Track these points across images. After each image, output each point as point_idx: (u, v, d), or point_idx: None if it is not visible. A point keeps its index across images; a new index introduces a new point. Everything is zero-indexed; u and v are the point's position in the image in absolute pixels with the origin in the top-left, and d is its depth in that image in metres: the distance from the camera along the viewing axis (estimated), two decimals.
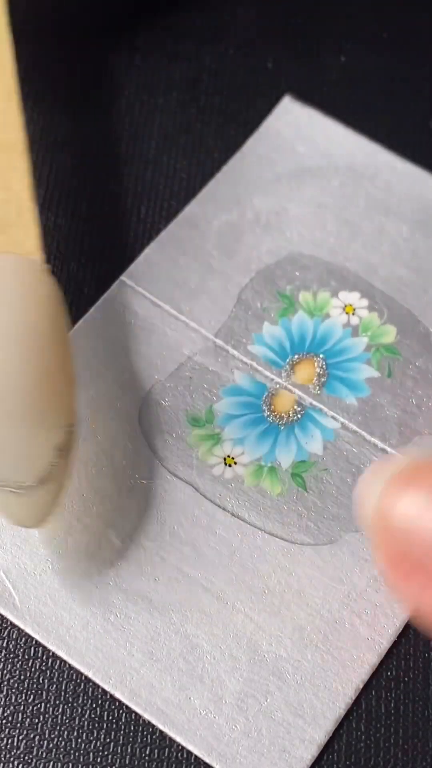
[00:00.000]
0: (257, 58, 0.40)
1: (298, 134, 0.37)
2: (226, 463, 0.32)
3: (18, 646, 0.30)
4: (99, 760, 0.29)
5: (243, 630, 0.30)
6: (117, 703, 0.29)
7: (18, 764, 0.29)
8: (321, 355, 0.33)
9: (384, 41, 0.40)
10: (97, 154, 0.37)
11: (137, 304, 0.34)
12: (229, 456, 0.32)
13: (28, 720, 0.29)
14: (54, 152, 0.37)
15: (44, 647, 0.30)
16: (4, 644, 0.30)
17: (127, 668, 0.29)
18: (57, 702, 0.30)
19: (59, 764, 0.29)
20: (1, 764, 0.29)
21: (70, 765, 0.29)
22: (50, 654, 0.30)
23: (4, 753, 0.29)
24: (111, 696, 0.29)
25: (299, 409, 0.33)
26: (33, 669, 0.30)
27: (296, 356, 0.33)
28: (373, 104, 0.38)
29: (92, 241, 0.36)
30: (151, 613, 0.30)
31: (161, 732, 0.29)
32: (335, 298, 0.34)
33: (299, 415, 0.33)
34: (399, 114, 0.38)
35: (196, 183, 0.37)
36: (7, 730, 0.29)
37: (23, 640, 0.30)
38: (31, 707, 0.29)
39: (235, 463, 0.32)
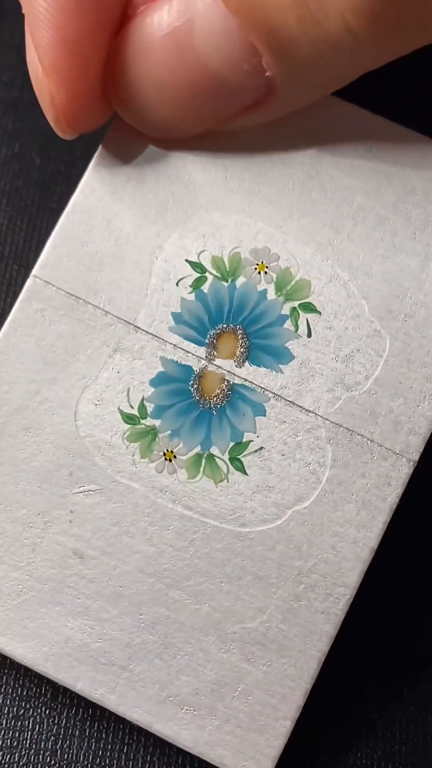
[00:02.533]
0: None
1: None
2: (166, 458, 0.30)
3: (100, 719, 0.30)
4: (91, 757, 0.30)
5: (209, 621, 0.29)
6: (197, 760, 0.30)
7: None
8: (240, 326, 0.30)
9: None
10: None
11: (55, 300, 0.31)
12: (168, 450, 0.30)
13: (76, 741, 0.30)
14: None
15: (30, 670, 0.30)
16: (87, 719, 0.30)
17: (110, 676, 0.29)
18: (42, 711, 0.30)
19: (57, 764, 0.30)
20: None
21: (65, 765, 0.30)
22: (78, 721, 0.30)
23: None
24: (189, 754, 0.29)
25: (226, 387, 0.30)
26: (114, 739, 0.30)
27: (216, 330, 0.31)
28: None
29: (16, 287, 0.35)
30: (123, 618, 0.29)
31: (148, 733, 0.29)
32: (246, 255, 0.31)
33: (227, 395, 0.30)
34: None
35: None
36: (59, 752, 0.30)
37: (104, 712, 0.30)
38: (76, 729, 0.30)
39: (175, 456, 0.30)
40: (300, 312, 0.30)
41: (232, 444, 0.30)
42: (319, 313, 0.30)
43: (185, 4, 0.27)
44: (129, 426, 0.30)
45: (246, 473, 0.30)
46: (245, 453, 0.30)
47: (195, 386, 0.30)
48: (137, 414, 0.30)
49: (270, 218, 0.31)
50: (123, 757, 0.30)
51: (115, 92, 0.29)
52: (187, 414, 0.30)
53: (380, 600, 0.31)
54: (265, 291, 0.31)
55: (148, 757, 0.30)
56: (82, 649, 0.29)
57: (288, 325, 0.30)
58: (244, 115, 0.29)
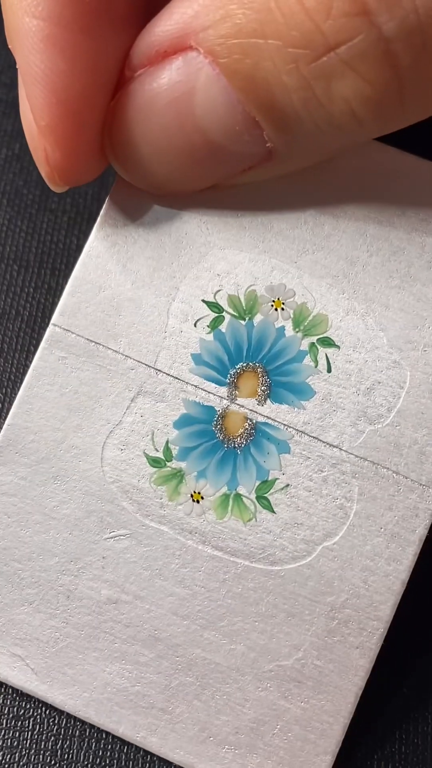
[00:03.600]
0: None
1: None
2: (193, 500, 0.29)
3: (49, 719, 0.30)
4: (91, 757, 0.29)
5: (245, 660, 0.29)
6: (148, 755, 0.29)
7: None
8: (260, 363, 0.30)
9: None
10: None
11: (74, 347, 0.30)
12: (195, 492, 0.29)
13: (76, 741, 0.30)
14: None
15: (74, 717, 0.29)
16: (33, 720, 0.30)
17: (150, 718, 0.29)
18: (43, 711, 0.29)
19: (57, 764, 0.29)
20: None
21: (65, 765, 0.29)
22: (78, 721, 0.29)
23: None
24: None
25: (249, 426, 0.29)
26: (114, 740, 0.29)
27: (236, 369, 0.30)
28: None
29: (48, 304, 0.34)
30: (159, 661, 0.29)
31: None
32: (261, 293, 0.30)
33: (251, 434, 0.29)
34: None
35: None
36: (59, 753, 0.30)
37: (51, 711, 0.29)
38: (76, 729, 0.29)
39: (202, 497, 0.29)
40: (319, 347, 0.30)
41: (258, 482, 0.29)
42: (338, 347, 0.29)
43: (186, 75, 0.26)
44: (155, 469, 0.30)
45: (274, 511, 0.29)
46: (272, 491, 0.29)
47: (218, 426, 0.30)
48: (162, 457, 0.30)
49: (284, 253, 0.30)
50: (123, 757, 0.29)
51: (113, 154, 0.28)
52: (212, 454, 0.30)
53: (412, 631, 0.30)
54: (282, 327, 0.30)
55: (148, 756, 0.29)
56: (121, 693, 0.29)
57: (308, 360, 0.30)
58: (243, 175, 0.28)
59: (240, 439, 0.30)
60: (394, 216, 0.30)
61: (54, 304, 0.34)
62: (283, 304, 0.30)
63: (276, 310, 0.30)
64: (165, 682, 0.29)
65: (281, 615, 0.29)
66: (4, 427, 0.30)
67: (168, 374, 0.30)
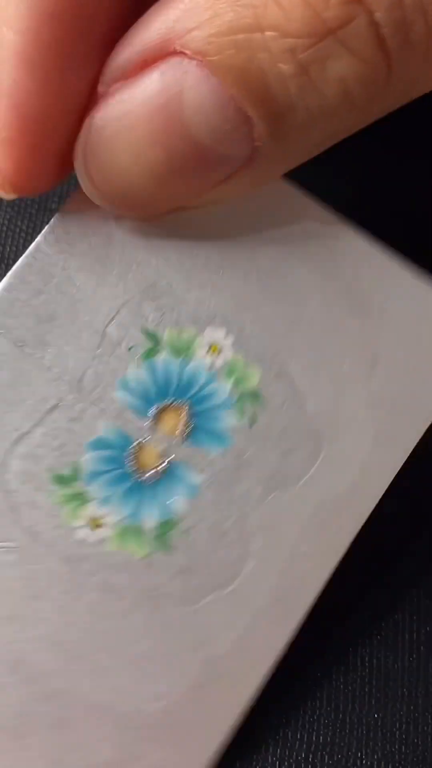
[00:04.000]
0: None
1: None
2: (91, 526, 0.28)
3: None
4: None
5: (111, 698, 0.28)
6: None
7: None
8: (186, 403, 0.29)
9: None
10: None
11: (1, 345, 0.29)
12: (94, 518, 0.28)
13: None
14: None
15: None
16: None
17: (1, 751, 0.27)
18: None
19: None
20: None
21: None
22: None
23: None
24: None
25: (163, 463, 0.29)
26: None
27: (161, 404, 0.29)
28: None
29: None
30: (18, 687, 0.27)
31: None
32: (201, 335, 0.30)
33: (164, 471, 0.29)
34: None
35: None
36: None
37: None
38: None
39: (101, 524, 0.28)
40: (246, 400, 0.29)
41: (161, 521, 0.29)
42: (264, 405, 0.29)
43: (172, 79, 0.26)
44: (58, 487, 0.28)
45: (170, 552, 0.28)
46: (173, 531, 0.29)
47: (132, 457, 0.29)
48: (69, 475, 0.28)
49: (231, 301, 0.30)
50: None
51: (84, 168, 0.28)
52: (119, 483, 0.29)
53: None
54: (215, 373, 0.29)
55: None
56: None
57: (233, 411, 0.29)
58: (218, 189, 0.28)
59: (151, 474, 0.29)
60: (339, 294, 0.30)
61: None
62: (220, 350, 0.30)
63: (212, 354, 0.30)
64: (20, 709, 0.27)
65: (157, 658, 0.28)
66: None
67: (90, 394, 0.29)
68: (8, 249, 0.35)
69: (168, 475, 0.29)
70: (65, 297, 0.29)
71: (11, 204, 0.35)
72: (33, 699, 0.27)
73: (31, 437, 0.28)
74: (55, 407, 0.29)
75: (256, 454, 0.29)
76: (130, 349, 0.29)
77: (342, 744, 0.28)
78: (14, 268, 0.29)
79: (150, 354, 0.29)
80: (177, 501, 0.29)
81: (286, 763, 0.28)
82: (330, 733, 0.29)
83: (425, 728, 0.29)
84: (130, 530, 0.28)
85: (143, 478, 0.29)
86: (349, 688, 0.29)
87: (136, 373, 0.29)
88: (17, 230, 0.35)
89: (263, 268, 0.30)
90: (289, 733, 0.29)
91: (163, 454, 0.29)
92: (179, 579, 0.28)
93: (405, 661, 0.29)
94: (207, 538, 0.29)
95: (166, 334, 0.30)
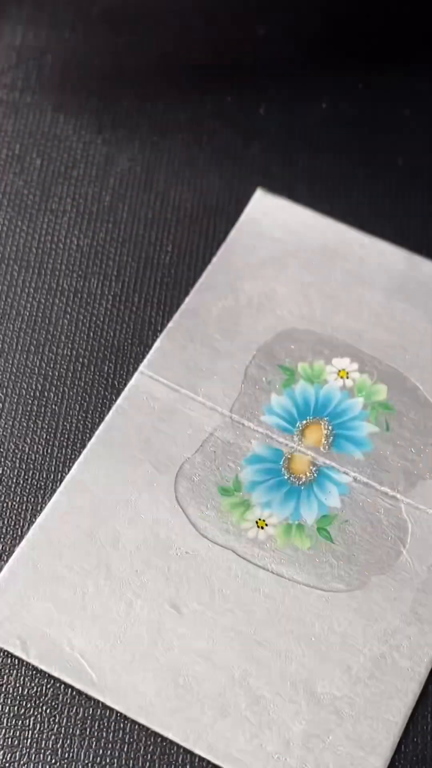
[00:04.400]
0: (251, 104, 0.40)
1: (274, 223, 0.37)
2: (258, 526, 0.31)
3: (101, 718, 0.29)
4: (92, 756, 0.28)
5: (298, 676, 0.29)
6: (197, 758, 0.28)
7: None
8: (326, 418, 0.33)
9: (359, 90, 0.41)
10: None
11: (157, 391, 0.33)
12: (260, 519, 0.31)
13: (77, 740, 0.28)
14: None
15: (124, 716, 0.29)
16: (88, 718, 0.29)
17: (202, 725, 0.29)
18: (44, 710, 0.29)
19: (57, 763, 0.28)
20: None
21: (65, 764, 0.28)
22: (129, 721, 0.29)
23: None
24: (190, 752, 0.28)
25: (314, 468, 0.32)
26: (115, 738, 0.29)
27: (304, 421, 0.33)
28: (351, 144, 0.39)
29: (49, 304, 0.35)
30: (214, 672, 0.29)
31: (147, 732, 0.28)
32: (329, 365, 0.34)
33: (315, 474, 0.32)
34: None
35: (190, 275, 0.36)
36: (60, 751, 0.28)
37: (104, 712, 0.29)
38: (77, 728, 0.28)
39: (266, 524, 0.31)
40: (378, 410, 0.33)
41: (319, 516, 0.31)
42: (395, 411, 0.33)
43: None
44: (224, 497, 0.32)
45: (333, 541, 0.31)
46: (331, 524, 0.31)
47: (285, 466, 0.32)
48: (232, 487, 0.32)
49: (349, 335, 0.34)
50: (123, 756, 0.28)
51: None
52: (278, 489, 0.32)
53: None
54: (347, 393, 0.33)
55: (149, 756, 0.28)
56: (174, 700, 0.29)
57: (368, 419, 0.33)
58: None
59: (304, 478, 0.32)
60: None
61: (54, 305, 0.35)
62: (347, 374, 0.34)
63: (341, 378, 0.34)
64: (219, 691, 0.29)
65: (335, 637, 0.30)
66: (101, 428, 0.32)
67: (241, 420, 0.33)
68: (9, 249, 0.36)
69: (320, 477, 0.32)
70: (208, 351, 0.34)
71: (11, 204, 0.37)
72: (228, 682, 0.29)
73: (196, 459, 0.32)
74: (212, 434, 0.33)
75: (395, 452, 0.32)
76: (269, 382, 0.34)
77: None
78: (165, 331, 0.34)
79: (288, 383, 0.34)
80: (331, 498, 0.32)
81: None
82: None
83: (424, 727, 0.29)
84: (294, 527, 0.31)
85: (299, 483, 0.32)
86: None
87: (279, 399, 0.33)
88: (18, 230, 0.37)
89: (370, 304, 0.35)
90: None
91: (313, 462, 0.32)
92: (343, 565, 0.31)
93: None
94: (363, 528, 0.31)
95: (300, 367, 0.34)
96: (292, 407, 0.33)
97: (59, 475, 0.32)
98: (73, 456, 0.33)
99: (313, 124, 0.39)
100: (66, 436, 0.33)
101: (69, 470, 0.32)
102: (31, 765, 0.28)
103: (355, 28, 0.42)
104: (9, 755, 0.28)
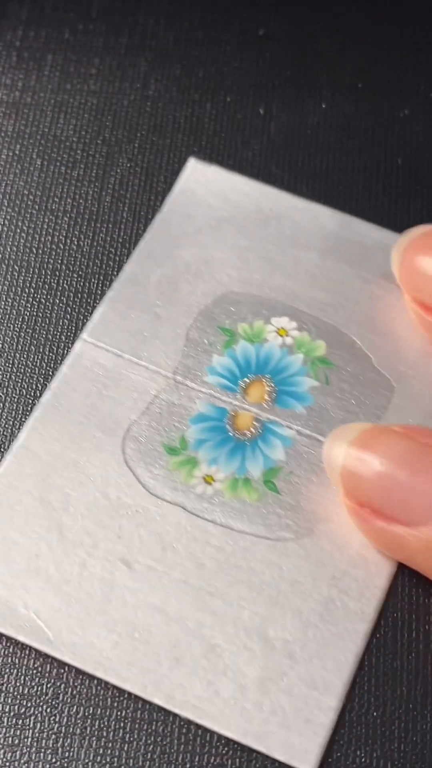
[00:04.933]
0: (250, 105, 0.40)
1: (208, 190, 0.37)
2: (206, 482, 0.32)
3: (101, 718, 0.29)
4: (92, 755, 0.28)
5: (251, 623, 0.30)
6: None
7: None
8: (267, 375, 0.34)
9: (359, 90, 0.41)
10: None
11: (101, 357, 0.34)
12: (207, 475, 0.32)
13: (77, 739, 0.29)
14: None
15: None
16: (88, 718, 0.29)
17: (159, 676, 0.29)
18: (44, 709, 0.29)
19: (58, 763, 0.28)
20: None
21: (66, 763, 0.28)
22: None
23: None
24: (190, 752, 0.28)
25: (258, 424, 0.33)
26: (115, 738, 0.29)
27: (246, 380, 0.34)
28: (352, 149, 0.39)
29: (49, 304, 0.35)
30: (168, 624, 0.30)
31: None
32: (268, 324, 0.35)
33: (260, 430, 0.33)
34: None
35: (130, 244, 0.36)
36: (60, 751, 0.29)
37: (105, 711, 0.29)
38: (77, 727, 0.29)
39: (214, 480, 0.32)
40: (318, 365, 0.34)
41: (265, 469, 0.32)
42: (334, 365, 0.34)
43: None
44: (172, 456, 0.32)
45: (279, 493, 0.32)
46: (277, 476, 0.32)
47: (230, 423, 0.33)
48: (179, 446, 0.32)
49: (287, 296, 0.35)
50: (124, 755, 0.28)
51: None
52: (223, 446, 0.32)
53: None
54: (287, 350, 0.34)
55: (149, 755, 0.28)
56: (130, 653, 0.29)
57: (308, 374, 0.34)
58: None
59: (249, 434, 0.33)
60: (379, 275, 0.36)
61: (55, 305, 0.36)
62: (287, 332, 0.35)
63: (280, 336, 0.34)
64: (173, 643, 0.29)
65: (285, 584, 0.30)
66: (41, 402, 0.33)
67: (185, 382, 0.33)
68: (9, 249, 0.37)
69: (264, 432, 0.33)
70: (149, 317, 0.35)
71: (12, 204, 0.37)
72: (182, 634, 0.29)
73: (142, 421, 0.33)
74: (156, 396, 0.33)
75: (336, 404, 0.33)
76: (211, 344, 0.34)
77: (341, 742, 0.28)
78: (108, 295, 0.35)
79: (229, 344, 0.34)
80: (276, 452, 0.32)
81: None
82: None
83: (424, 726, 0.29)
84: (241, 481, 0.32)
85: (244, 438, 0.33)
86: (349, 686, 0.29)
87: (221, 359, 0.34)
88: (18, 231, 0.37)
89: (306, 265, 0.36)
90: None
91: (257, 418, 0.33)
92: (291, 515, 0.31)
93: (404, 660, 0.30)
94: (309, 478, 0.32)
95: (239, 328, 0.35)
96: (234, 367, 0.34)
97: (6, 444, 0.33)
98: (20, 424, 0.33)
99: (313, 124, 0.40)
100: (11, 405, 0.33)
101: (16, 438, 0.32)
102: (32, 764, 0.28)
103: (355, 28, 0.42)
104: (9, 755, 0.28)
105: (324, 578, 0.30)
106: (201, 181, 0.38)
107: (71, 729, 0.29)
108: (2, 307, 0.35)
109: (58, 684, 0.29)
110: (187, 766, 0.28)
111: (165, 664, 0.29)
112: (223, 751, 0.28)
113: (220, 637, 0.30)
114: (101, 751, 0.28)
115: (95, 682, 0.29)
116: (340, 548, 0.31)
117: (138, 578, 0.30)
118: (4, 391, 0.34)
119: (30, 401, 0.33)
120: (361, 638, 0.30)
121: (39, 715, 0.29)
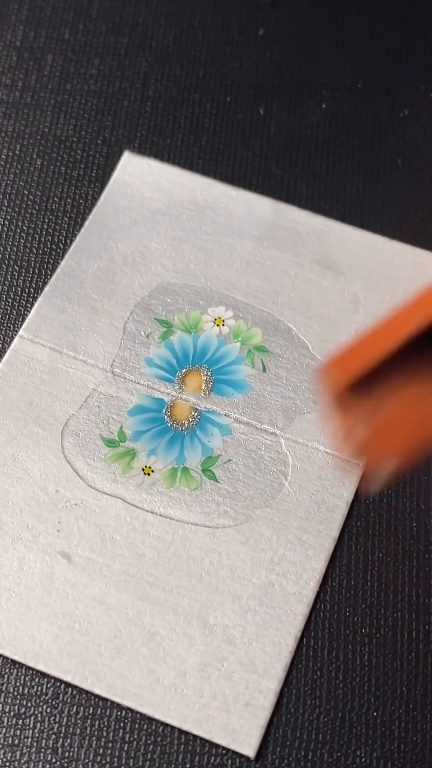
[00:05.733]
0: (250, 105, 0.40)
1: (143, 182, 0.37)
2: (144, 473, 0.32)
3: (101, 718, 0.29)
4: (92, 755, 0.28)
5: (190, 610, 0.30)
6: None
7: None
8: (204, 365, 0.34)
9: (359, 90, 0.41)
10: None
11: (38, 353, 0.34)
12: (146, 466, 0.32)
13: (77, 739, 0.29)
14: None
15: (125, 716, 0.29)
16: (88, 717, 0.29)
17: (99, 666, 0.29)
18: (44, 709, 0.29)
19: (58, 762, 0.28)
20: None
21: (66, 763, 0.28)
22: (130, 720, 0.29)
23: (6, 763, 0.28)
24: (190, 752, 0.28)
25: (196, 414, 0.33)
26: (115, 738, 0.29)
27: (184, 370, 0.34)
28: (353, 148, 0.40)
29: (18, 287, 0.36)
30: (109, 614, 0.30)
31: (140, 713, 0.29)
32: (205, 314, 0.35)
33: (197, 419, 0.33)
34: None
35: (67, 239, 0.36)
36: (60, 751, 0.29)
37: (104, 711, 0.29)
38: (77, 727, 0.29)
39: (152, 471, 0.32)
40: (254, 353, 0.34)
41: (203, 458, 0.32)
42: (270, 352, 0.34)
43: None
44: (110, 449, 0.32)
45: (218, 481, 0.32)
46: (216, 465, 0.32)
47: (168, 414, 0.33)
48: (117, 438, 0.32)
49: (222, 285, 0.35)
50: (123, 755, 0.28)
51: None
52: (161, 437, 0.32)
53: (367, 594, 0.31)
54: (223, 339, 0.34)
55: (149, 755, 0.28)
56: (70, 644, 0.29)
57: (245, 363, 0.34)
58: None
59: (187, 424, 0.33)
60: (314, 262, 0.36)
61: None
62: (223, 321, 0.35)
63: (217, 326, 0.34)
64: (114, 633, 0.29)
65: (224, 571, 0.30)
66: None
67: (123, 374, 0.33)
68: (9, 250, 0.37)
69: (202, 421, 0.33)
70: (86, 311, 0.35)
71: (12, 205, 0.38)
72: (123, 623, 0.29)
73: (80, 415, 0.33)
74: (94, 389, 0.33)
75: (273, 391, 0.33)
76: (148, 335, 0.34)
77: (341, 742, 0.29)
78: (45, 291, 0.35)
79: (166, 335, 0.34)
80: (214, 440, 0.32)
81: (285, 761, 0.28)
82: (329, 732, 0.29)
83: (424, 726, 0.29)
84: (179, 470, 0.32)
85: (182, 428, 0.33)
86: (349, 686, 0.29)
87: (158, 350, 0.34)
88: (18, 231, 0.37)
89: (241, 253, 0.36)
90: (289, 732, 0.29)
91: (194, 407, 0.33)
92: (229, 502, 0.31)
93: (404, 660, 0.30)
94: (246, 466, 0.32)
95: (176, 318, 0.35)
96: (171, 358, 0.34)
97: None
98: None
99: (313, 124, 0.39)
100: None
101: None
102: (32, 764, 0.28)
103: (355, 28, 0.42)
104: (9, 755, 0.28)
105: (263, 563, 0.31)
106: (135, 173, 0.38)
107: (71, 729, 0.29)
108: (3, 306, 0.35)
109: (58, 684, 0.29)
110: (187, 766, 0.28)
111: (105, 654, 0.29)
112: (223, 751, 0.28)
113: (160, 624, 0.30)
114: (101, 751, 0.29)
115: (65, 683, 0.29)
116: (277, 533, 0.31)
117: (78, 570, 0.30)
118: None
119: None
120: (300, 620, 0.30)
121: (39, 715, 0.29)
